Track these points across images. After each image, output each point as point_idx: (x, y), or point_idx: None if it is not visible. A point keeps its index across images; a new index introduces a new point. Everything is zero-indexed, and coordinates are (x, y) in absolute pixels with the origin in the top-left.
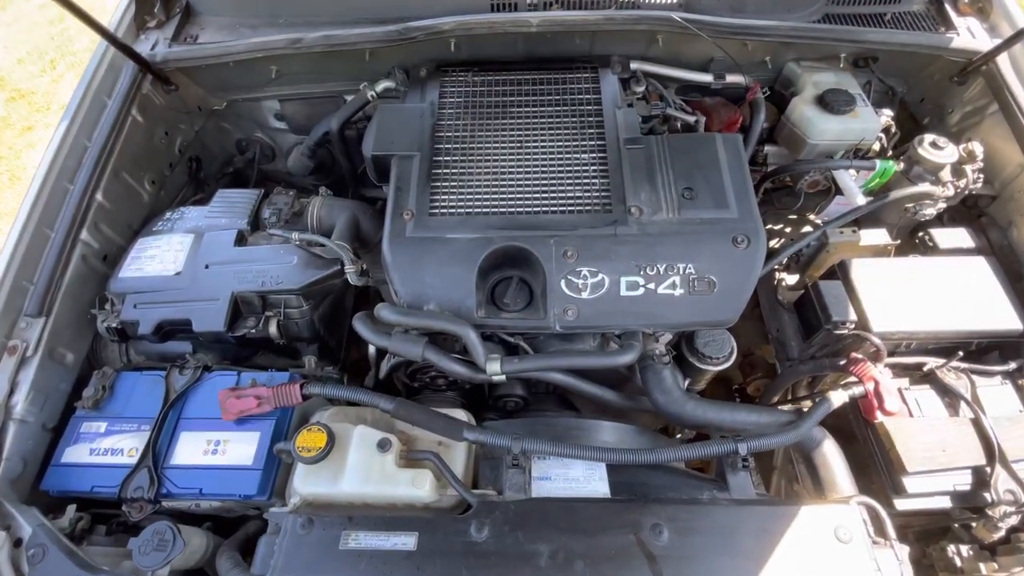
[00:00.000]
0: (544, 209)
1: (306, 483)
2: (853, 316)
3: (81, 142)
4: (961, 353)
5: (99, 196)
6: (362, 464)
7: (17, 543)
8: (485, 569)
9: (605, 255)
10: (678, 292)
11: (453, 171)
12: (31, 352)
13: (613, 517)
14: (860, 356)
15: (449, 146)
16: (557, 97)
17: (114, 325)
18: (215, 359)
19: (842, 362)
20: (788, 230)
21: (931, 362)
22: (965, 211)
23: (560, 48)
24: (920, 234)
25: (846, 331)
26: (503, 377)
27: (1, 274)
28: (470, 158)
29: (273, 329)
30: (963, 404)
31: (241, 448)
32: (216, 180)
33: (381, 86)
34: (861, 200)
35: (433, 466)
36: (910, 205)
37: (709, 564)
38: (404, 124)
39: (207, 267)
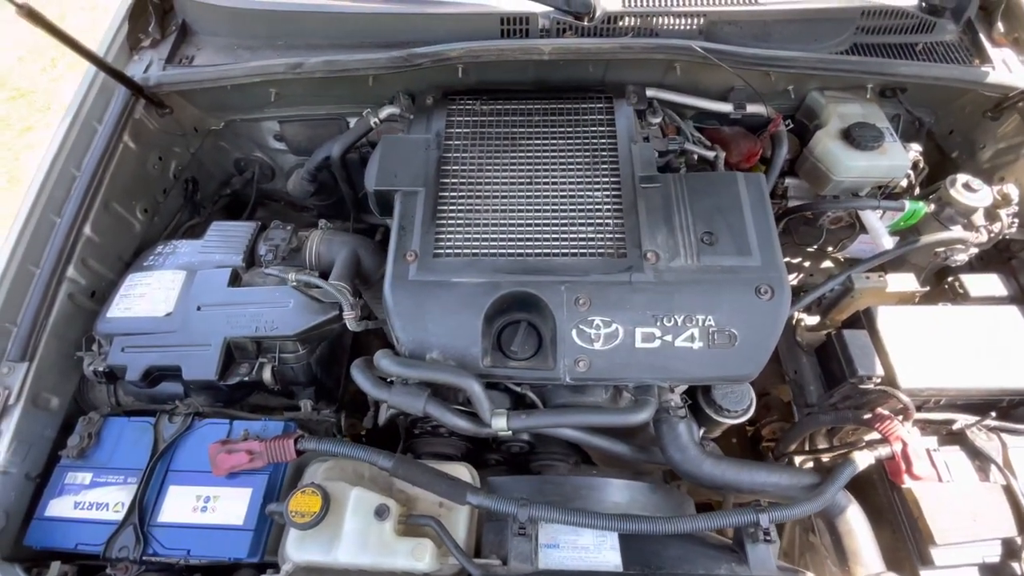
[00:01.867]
0: (555, 252)
1: (300, 550)
2: (880, 371)
3: (69, 171)
4: (994, 413)
5: (87, 230)
6: (359, 532)
7: None
8: None
9: (619, 304)
10: (696, 345)
11: (459, 209)
12: (13, 400)
13: None
14: (886, 412)
15: (455, 180)
16: (569, 129)
17: (101, 369)
18: (207, 401)
19: (867, 416)
20: (807, 264)
21: (961, 420)
22: (996, 253)
23: (572, 75)
24: (950, 279)
25: (872, 386)
26: (509, 432)
27: None
28: (477, 195)
29: (267, 375)
30: (994, 468)
31: (232, 505)
32: (213, 202)
33: (385, 112)
34: (888, 243)
35: (433, 532)
36: (941, 250)
37: None
38: (408, 157)
39: (199, 309)
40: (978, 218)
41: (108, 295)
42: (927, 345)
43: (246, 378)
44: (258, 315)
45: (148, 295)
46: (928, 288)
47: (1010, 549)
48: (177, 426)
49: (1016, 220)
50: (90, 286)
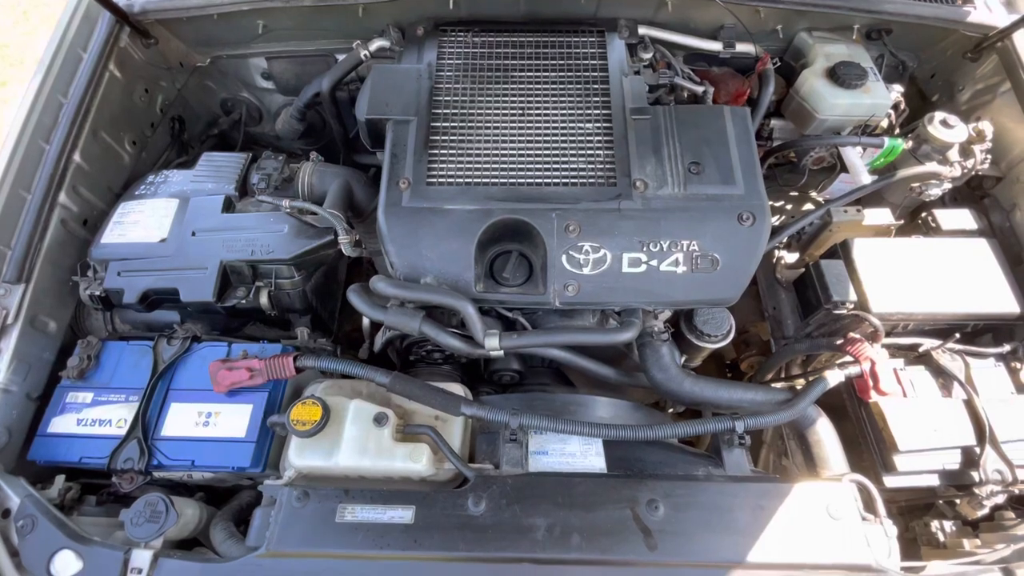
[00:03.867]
0: (546, 180)
1: (301, 456)
2: (853, 296)
3: (56, 98)
4: (958, 335)
5: (77, 157)
6: (358, 438)
7: (5, 514)
8: (482, 543)
9: (608, 230)
10: (680, 270)
11: (451, 138)
12: (11, 320)
13: (610, 492)
14: (857, 336)
15: (447, 111)
16: (561, 62)
17: (97, 293)
18: (204, 329)
19: (839, 342)
20: (789, 207)
21: (927, 343)
22: (968, 192)
23: (564, 8)
24: (923, 215)
25: (845, 311)
26: (501, 352)
27: None
28: (469, 124)
29: (264, 300)
30: (956, 385)
31: (233, 420)
32: (200, 142)
33: (375, 45)
34: (867, 178)
35: (430, 440)
36: (916, 185)
37: (704, 540)
38: (400, 87)
39: (194, 234)
40: (953, 154)
41: (100, 225)
42: (899, 274)
43: (243, 301)
44: (253, 239)
45: (142, 222)
46: (903, 222)
47: (969, 458)
48: (176, 348)
49: (989, 156)
50: (82, 214)
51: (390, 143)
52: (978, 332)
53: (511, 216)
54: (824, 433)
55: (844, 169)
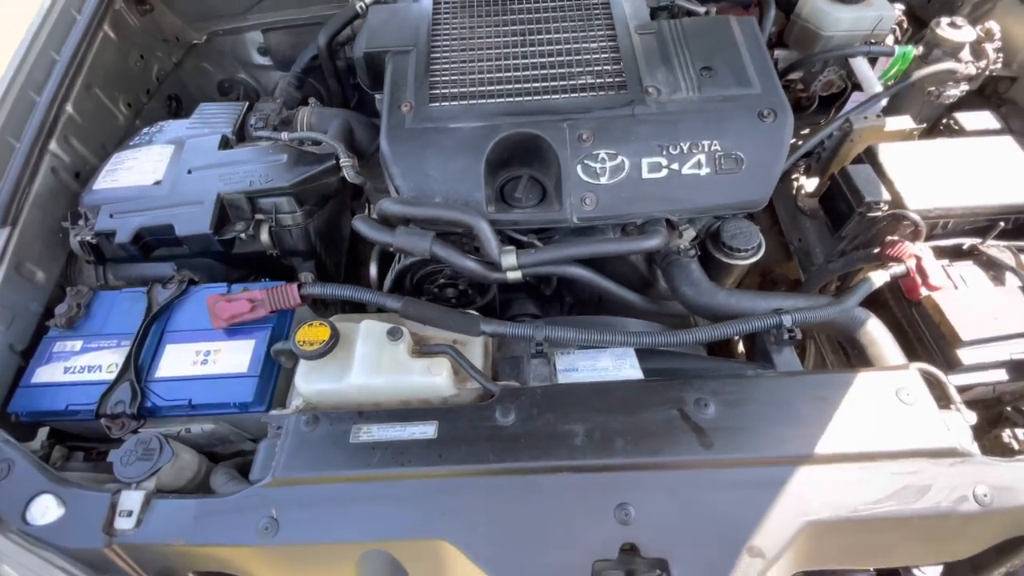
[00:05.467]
0: (554, 95)
1: (309, 380)
2: (887, 196)
3: (48, 55)
4: (1002, 224)
5: (69, 107)
6: (371, 355)
7: None
8: (514, 452)
9: (624, 136)
10: (704, 171)
11: (453, 63)
12: None
13: (652, 395)
14: (896, 238)
15: (448, 40)
16: None
17: (88, 239)
18: (202, 280)
19: (876, 250)
20: (800, 144)
21: (968, 242)
22: (984, 100)
23: None
24: (944, 120)
25: (880, 213)
26: (519, 275)
27: None
28: (471, 48)
29: (265, 236)
30: (1009, 275)
31: (234, 357)
32: None
33: None
34: (880, 87)
35: (450, 358)
36: (932, 89)
37: (765, 434)
38: (398, 21)
39: (189, 172)
40: (965, 55)
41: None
42: (929, 173)
43: (242, 235)
44: (251, 171)
45: (136, 167)
46: (925, 125)
47: None
48: (172, 290)
49: (1000, 56)
50: (74, 165)
51: (390, 73)
52: (1017, 228)
53: (520, 130)
54: (877, 332)
55: (857, 87)
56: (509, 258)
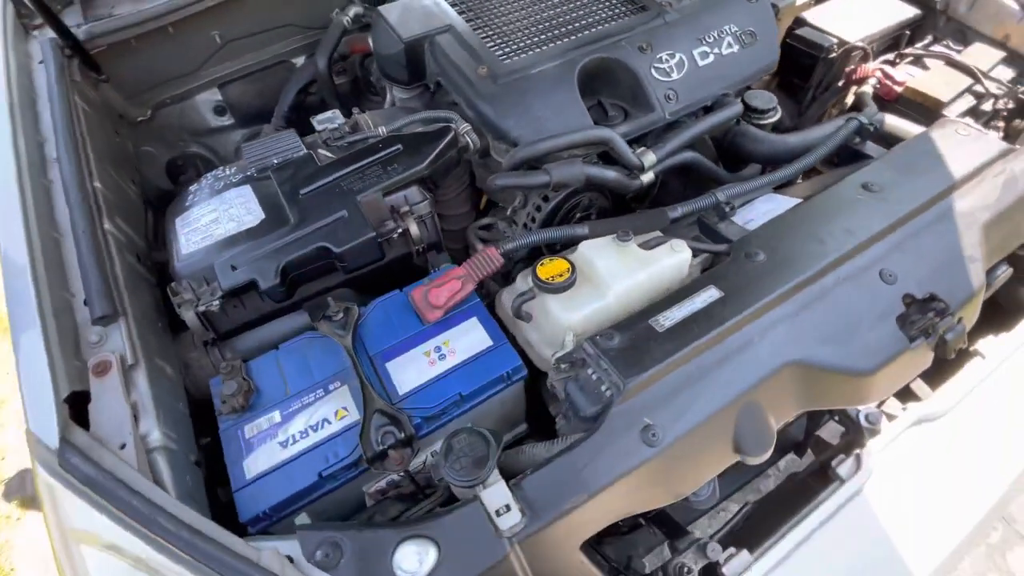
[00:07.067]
0: (595, 26)
1: (570, 310)
2: (835, 40)
3: (33, 139)
4: (908, 33)
5: (98, 184)
6: (615, 264)
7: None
8: (787, 274)
9: (669, 40)
10: (736, 49)
11: (498, 26)
12: (131, 360)
13: (832, 200)
14: (851, 67)
15: (479, 12)
16: None
17: (214, 307)
18: (351, 296)
19: (842, 82)
20: None
21: (892, 55)
22: None
23: None
24: None
25: (835, 53)
26: (651, 176)
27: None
28: (506, 14)
29: (414, 227)
30: (931, 61)
31: (468, 339)
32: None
33: (352, 11)
34: None
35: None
36: None
37: (913, 185)
38: (417, 12)
39: (302, 195)
40: None
41: (151, 261)
42: (844, 20)
43: (397, 232)
44: (377, 167)
45: (220, 219)
46: None
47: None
48: (343, 318)
49: None
50: (131, 247)
51: (440, 54)
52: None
53: (596, 56)
54: (893, 121)
55: None
56: (648, 156)
